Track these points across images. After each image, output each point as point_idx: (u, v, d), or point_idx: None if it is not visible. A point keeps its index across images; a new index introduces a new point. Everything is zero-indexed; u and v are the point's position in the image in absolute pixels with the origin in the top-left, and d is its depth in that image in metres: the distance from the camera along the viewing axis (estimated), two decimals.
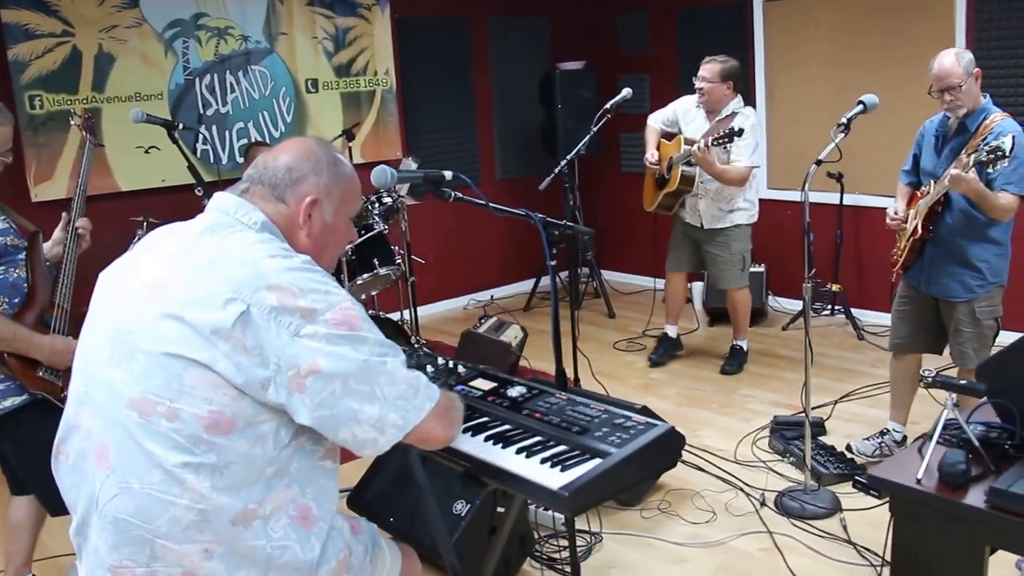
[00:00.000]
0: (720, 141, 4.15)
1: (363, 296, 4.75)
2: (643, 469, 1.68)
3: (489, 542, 2.41)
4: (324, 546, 1.58)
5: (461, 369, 2.14)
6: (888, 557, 1.98)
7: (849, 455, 3.57)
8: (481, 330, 4.70)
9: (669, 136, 4.71)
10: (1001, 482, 1.71)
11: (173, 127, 4.05)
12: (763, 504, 3.27)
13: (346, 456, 1.61)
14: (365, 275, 4.51)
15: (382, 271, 4.54)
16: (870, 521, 3.05)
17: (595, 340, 5.39)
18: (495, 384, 2.03)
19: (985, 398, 1.96)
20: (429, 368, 2.17)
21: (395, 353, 1.55)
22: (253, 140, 5.23)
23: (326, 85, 5.69)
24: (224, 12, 5.20)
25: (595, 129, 4.31)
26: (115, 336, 1.54)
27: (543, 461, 1.66)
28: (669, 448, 1.73)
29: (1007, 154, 2.74)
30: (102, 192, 4.70)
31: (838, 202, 5.39)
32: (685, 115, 4.66)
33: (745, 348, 4.87)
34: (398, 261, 4.66)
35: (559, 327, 2.20)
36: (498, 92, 6.60)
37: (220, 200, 1.65)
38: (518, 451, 1.71)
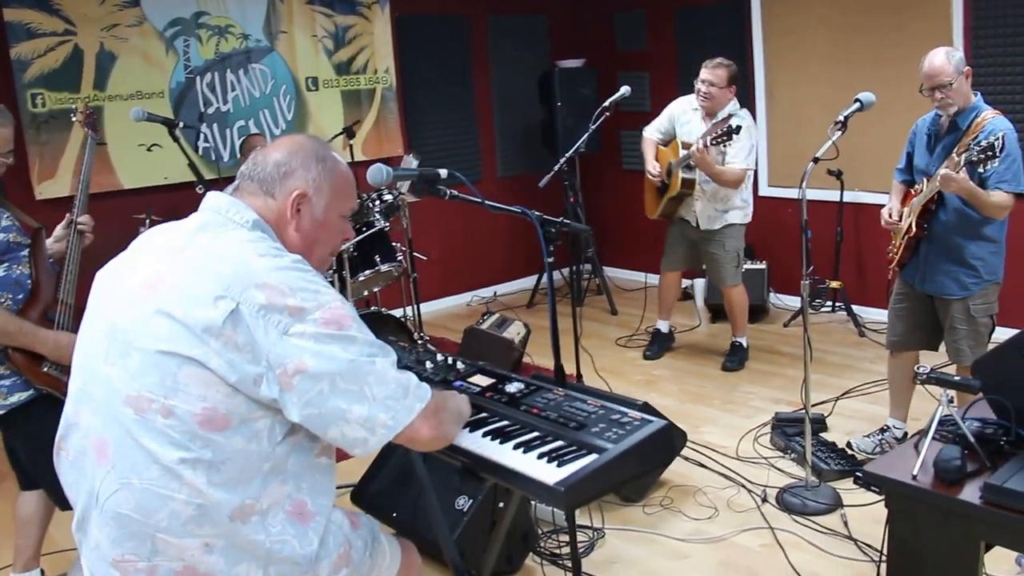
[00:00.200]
0: (719, 140, 4.16)
1: (365, 292, 4.77)
2: (639, 464, 1.69)
3: (489, 537, 2.42)
4: (324, 540, 1.60)
5: (460, 365, 2.15)
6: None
7: (850, 452, 3.58)
8: (484, 327, 4.72)
9: (666, 144, 4.74)
10: (996, 478, 1.71)
11: (174, 125, 4.06)
12: (764, 500, 3.28)
13: (347, 452, 1.62)
14: (367, 272, 4.53)
15: (384, 268, 4.56)
16: (871, 517, 3.05)
17: (598, 337, 5.40)
18: (493, 380, 2.04)
19: (980, 394, 1.96)
20: (428, 364, 2.19)
21: (385, 353, 1.55)
22: (251, 133, 5.25)
23: (326, 83, 5.70)
24: (224, 11, 5.21)
25: (593, 127, 4.32)
26: (111, 334, 1.55)
27: (540, 456, 1.67)
28: (665, 444, 1.74)
29: (997, 153, 2.74)
30: (105, 190, 4.72)
31: (838, 199, 5.39)
32: (681, 117, 4.67)
33: (745, 344, 4.88)
34: (399, 258, 4.67)
35: (557, 323, 2.21)
36: (498, 90, 6.61)
37: (213, 200, 1.66)
38: (515, 447, 1.72)
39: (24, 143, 4.49)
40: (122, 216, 4.38)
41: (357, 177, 1.80)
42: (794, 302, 5.70)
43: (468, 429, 1.82)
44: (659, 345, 5.10)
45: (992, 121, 3.03)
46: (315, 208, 1.67)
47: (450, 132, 6.37)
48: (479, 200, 2.20)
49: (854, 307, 5.42)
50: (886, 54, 5.07)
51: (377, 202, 4.64)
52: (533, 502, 3.02)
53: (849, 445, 3.63)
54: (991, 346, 3.20)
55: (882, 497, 3.08)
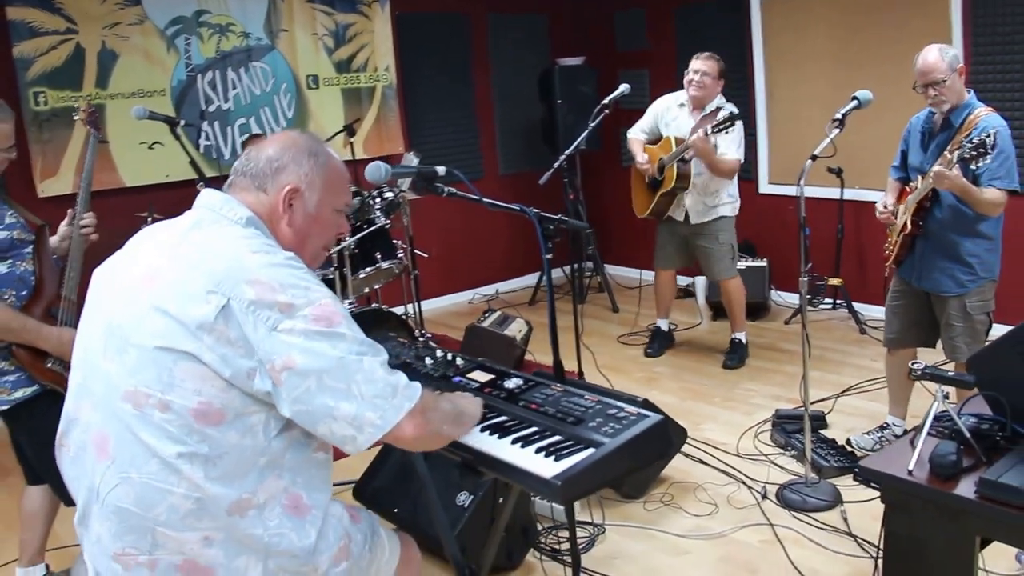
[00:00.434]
0: (720, 127, 4.19)
1: (366, 289, 4.78)
2: (636, 459, 1.70)
3: (488, 532, 2.43)
4: (323, 533, 1.61)
5: (459, 361, 2.16)
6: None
7: (849, 449, 3.58)
8: (485, 324, 4.72)
9: (652, 143, 4.76)
10: (991, 473, 1.72)
11: (175, 123, 4.07)
12: (764, 497, 3.29)
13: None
14: (368, 269, 4.54)
15: (384, 265, 4.57)
16: (870, 513, 3.05)
17: (599, 334, 5.41)
18: (492, 376, 2.05)
19: (976, 390, 1.97)
20: (428, 360, 2.20)
21: (375, 352, 1.55)
22: (252, 133, 5.26)
23: (327, 81, 5.71)
24: (225, 9, 5.23)
25: (593, 124, 4.33)
26: (108, 330, 1.57)
27: (538, 451, 1.68)
28: (662, 438, 1.75)
29: (989, 150, 2.74)
30: (107, 188, 4.73)
31: (838, 197, 5.39)
32: (666, 114, 4.70)
33: (744, 341, 4.89)
34: (400, 255, 4.69)
35: (555, 318, 2.23)
36: (498, 88, 6.62)
37: (207, 197, 1.67)
38: (514, 441, 1.73)
39: (26, 141, 4.50)
40: (124, 214, 4.39)
41: (356, 175, 1.81)
42: (795, 299, 5.69)
43: None
44: (659, 343, 5.12)
45: (985, 118, 3.03)
46: (307, 203, 1.68)
47: (451, 130, 6.38)
48: (477, 198, 2.21)
49: (855, 304, 5.43)
50: (886, 52, 5.07)
51: (378, 199, 4.65)
52: (533, 498, 3.04)
53: (849, 443, 3.63)
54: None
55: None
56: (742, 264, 5.52)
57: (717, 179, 4.57)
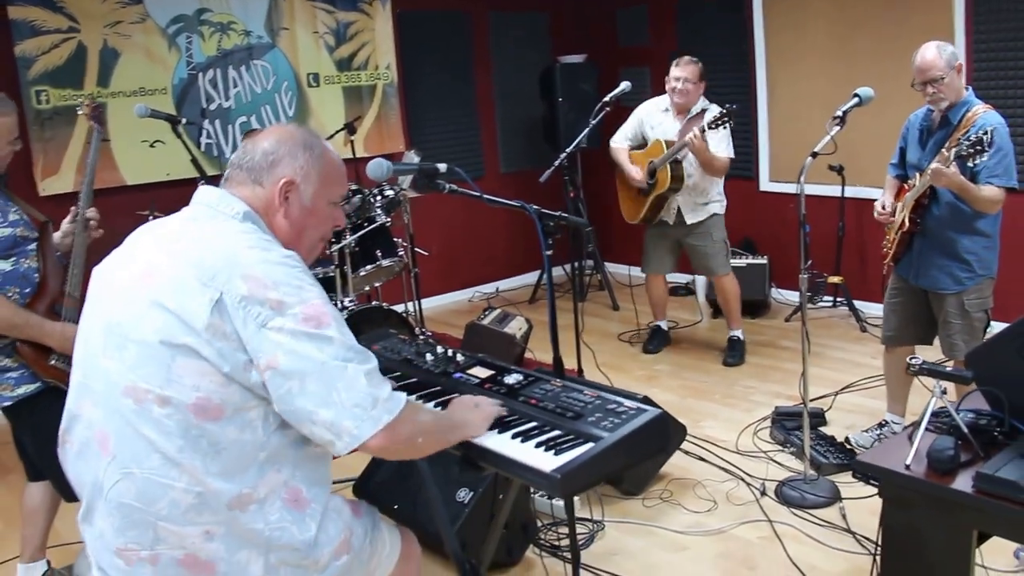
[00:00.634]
0: (717, 123, 4.22)
1: (366, 287, 4.79)
2: (634, 453, 1.71)
3: (488, 528, 2.44)
4: (324, 526, 1.62)
5: (460, 357, 2.17)
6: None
7: (848, 447, 3.59)
8: (485, 322, 4.73)
9: (635, 149, 4.81)
10: (988, 467, 1.72)
11: (177, 122, 4.09)
12: (763, 493, 3.30)
13: None
14: (368, 266, 4.55)
15: (385, 263, 4.58)
16: (869, 510, 3.05)
17: (599, 332, 5.42)
18: (492, 372, 2.06)
19: (974, 385, 1.97)
20: (429, 356, 2.21)
21: (361, 359, 1.54)
22: (252, 128, 5.28)
23: (327, 79, 5.72)
24: (226, 7, 5.24)
25: (594, 122, 4.34)
26: (107, 328, 1.58)
27: (538, 445, 1.69)
28: (660, 433, 1.76)
29: (986, 147, 2.75)
30: (108, 186, 4.74)
31: (839, 194, 5.39)
32: (650, 119, 4.73)
33: (742, 337, 4.91)
34: (400, 253, 4.69)
35: (556, 315, 2.24)
36: (499, 86, 6.63)
37: (203, 194, 1.68)
38: (513, 436, 1.75)
39: (28, 140, 4.51)
40: (126, 212, 4.38)
41: (357, 173, 1.82)
42: (795, 297, 5.69)
43: None
44: (659, 340, 5.15)
45: (983, 116, 3.03)
46: (303, 196, 1.69)
47: (451, 128, 6.39)
48: (477, 194, 2.22)
49: (856, 302, 5.43)
50: (887, 48, 5.06)
51: (379, 197, 4.66)
52: (533, 495, 3.05)
53: (848, 440, 3.64)
54: None
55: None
56: (743, 262, 5.54)
57: (707, 178, 4.61)
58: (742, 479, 3.44)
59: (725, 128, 4.34)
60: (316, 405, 1.49)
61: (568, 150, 4.40)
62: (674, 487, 3.41)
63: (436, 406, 1.94)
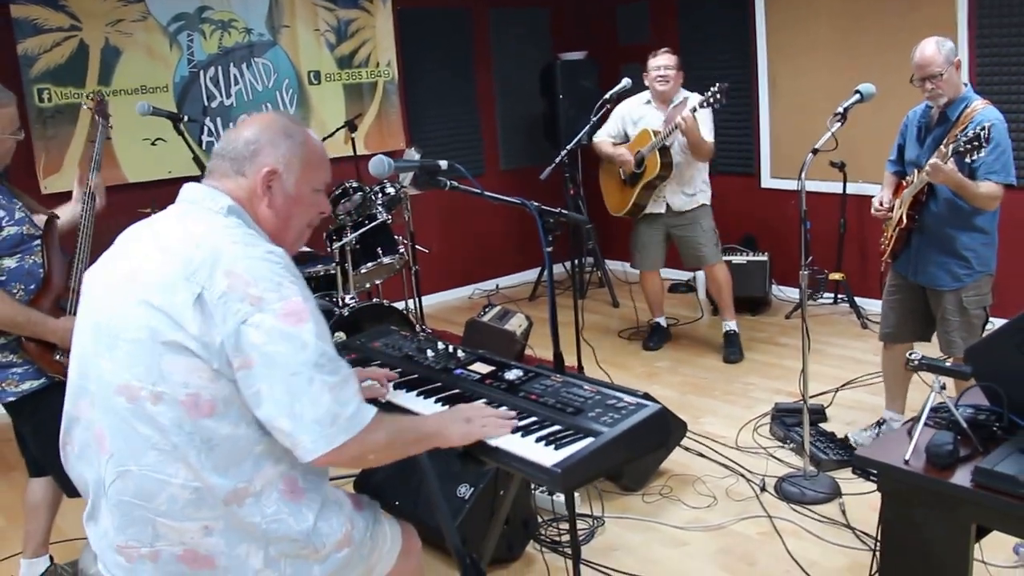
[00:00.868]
0: (710, 101, 4.26)
1: (367, 284, 4.80)
2: (634, 448, 1.72)
3: (489, 524, 2.45)
4: (325, 516, 1.63)
5: (460, 354, 2.18)
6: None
7: (848, 442, 3.59)
8: (486, 319, 4.73)
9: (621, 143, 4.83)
10: (987, 462, 1.73)
11: (178, 119, 4.09)
12: (763, 489, 3.31)
13: None
14: (369, 264, 4.56)
15: (385, 260, 4.59)
16: (868, 506, 3.06)
17: (599, 329, 5.43)
18: (493, 368, 2.07)
19: (973, 380, 1.98)
20: (429, 352, 2.22)
21: (332, 371, 1.51)
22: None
23: (328, 77, 5.73)
24: (227, 5, 5.24)
25: (594, 119, 4.35)
26: (98, 328, 1.59)
27: (538, 440, 1.70)
28: (660, 428, 1.77)
29: (983, 143, 2.74)
30: (109, 184, 4.69)
31: (841, 191, 5.40)
32: (632, 115, 4.77)
33: (736, 329, 4.91)
34: (401, 250, 4.70)
35: (556, 311, 2.24)
36: (500, 83, 6.63)
37: (188, 191, 1.69)
38: (514, 431, 1.75)
39: (30, 137, 4.52)
40: (127, 210, 4.37)
41: (358, 171, 1.83)
42: (796, 294, 5.70)
43: None
44: (659, 337, 5.16)
45: (981, 112, 3.02)
46: (286, 184, 1.68)
47: (452, 125, 6.39)
48: (478, 191, 2.23)
49: (857, 299, 5.43)
50: (890, 42, 5.05)
51: (380, 195, 4.67)
52: (534, 490, 3.06)
53: (847, 438, 3.64)
54: None
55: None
56: (743, 258, 5.55)
57: (693, 166, 4.65)
58: (742, 475, 3.44)
59: (708, 115, 4.40)
60: (278, 413, 1.49)
61: (568, 147, 4.41)
62: (674, 483, 3.42)
63: (438, 402, 1.95)
